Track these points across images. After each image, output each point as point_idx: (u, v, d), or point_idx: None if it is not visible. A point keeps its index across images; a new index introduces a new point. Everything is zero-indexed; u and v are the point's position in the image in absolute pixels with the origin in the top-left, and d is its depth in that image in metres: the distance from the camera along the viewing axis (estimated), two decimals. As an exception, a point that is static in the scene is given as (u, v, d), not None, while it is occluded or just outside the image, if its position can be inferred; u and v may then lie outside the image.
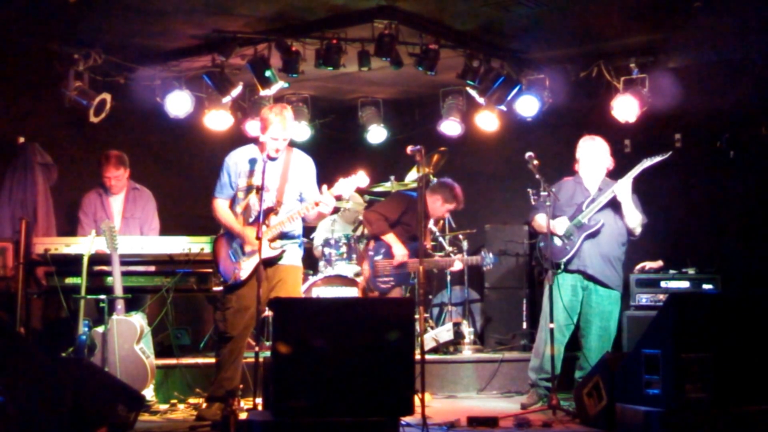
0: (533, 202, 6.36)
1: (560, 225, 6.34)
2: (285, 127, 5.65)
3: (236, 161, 5.77)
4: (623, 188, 6.24)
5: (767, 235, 7.29)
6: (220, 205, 5.79)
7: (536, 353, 6.44)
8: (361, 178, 5.65)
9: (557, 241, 6.35)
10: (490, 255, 7.40)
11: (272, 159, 5.66)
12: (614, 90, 7.37)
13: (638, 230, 6.40)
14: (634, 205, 6.30)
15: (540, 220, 6.47)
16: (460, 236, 7.95)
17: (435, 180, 7.78)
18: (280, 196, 5.68)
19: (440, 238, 7.91)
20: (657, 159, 6.23)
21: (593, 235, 6.30)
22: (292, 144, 5.85)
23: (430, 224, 7.77)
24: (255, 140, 5.86)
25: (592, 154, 6.45)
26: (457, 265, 7.53)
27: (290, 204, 5.71)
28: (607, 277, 6.32)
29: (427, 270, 7.71)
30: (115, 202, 6.84)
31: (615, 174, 6.47)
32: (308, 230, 8.49)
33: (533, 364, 6.44)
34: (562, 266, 6.32)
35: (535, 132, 7.87)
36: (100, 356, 5.82)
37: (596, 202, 6.31)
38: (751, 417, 4.71)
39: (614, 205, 6.33)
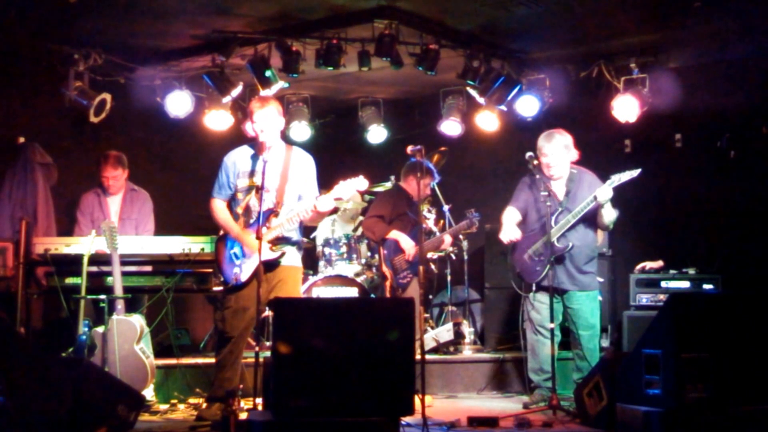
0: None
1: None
2: (266, 114, 5.50)
3: (234, 161, 5.70)
4: (605, 195, 6.08)
5: (767, 235, 7.29)
6: (219, 206, 5.74)
7: (532, 355, 6.43)
8: (360, 181, 5.56)
9: (526, 256, 6.34)
10: (473, 212, 7.41)
11: (264, 150, 5.52)
12: (614, 90, 7.37)
13: (611, 226, 6.38)
14: (611, 205, 6.23)
15: (507, 216, 6.42)
16: (461, 236, 7.94)
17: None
18: (280, 197, 5.60)
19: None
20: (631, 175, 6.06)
21: (562, 255, 6.26)
22: (292, 142, 5.80)
23: (431, 224, 7.77)
24: (254, 139, 5.83)
25: (556, 153, 6.26)
26: (447, 240, 7.55)
27: (290, 204, 5.63)
28: (580, 284, 6.32)
29: (426, 259, 7.70)
30: (112, 203, 6.84)
31: (611, 171, 6.40)
32: (309, 230, 8.50)
33: (532, 365, 6.43)
34: (534, 287, 6.32)
35: (535, 132, 7.81)
36: (100, 356, 5.81)
37: (565, 219, 6.20)
38: (751, 417, 4.71)
39: (583, 218, 6.25)
